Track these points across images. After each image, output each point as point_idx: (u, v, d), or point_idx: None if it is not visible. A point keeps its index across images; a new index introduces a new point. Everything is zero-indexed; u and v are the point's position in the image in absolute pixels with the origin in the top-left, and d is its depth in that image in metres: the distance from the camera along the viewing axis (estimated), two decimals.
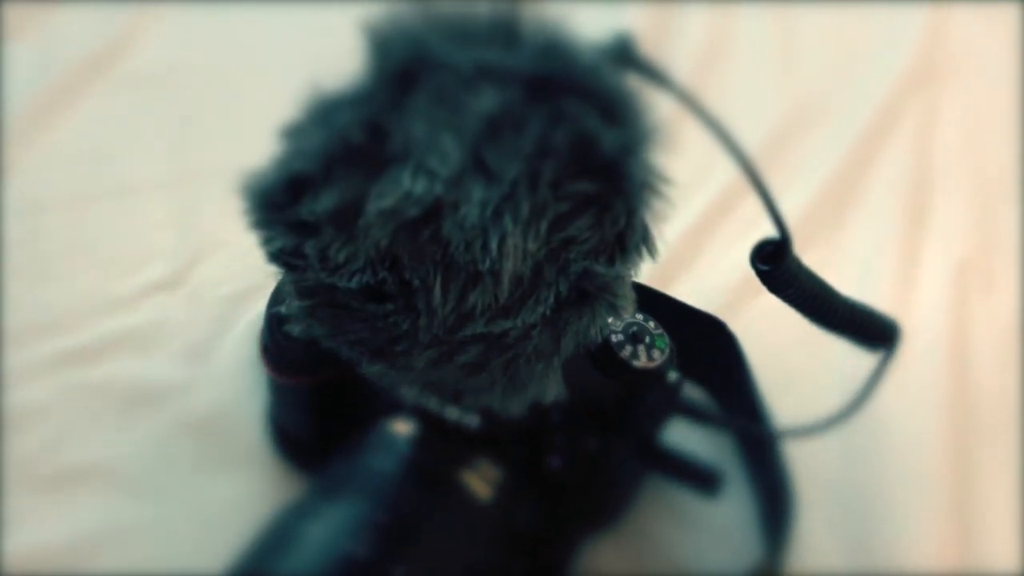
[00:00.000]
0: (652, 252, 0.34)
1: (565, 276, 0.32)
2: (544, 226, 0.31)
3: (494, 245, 0.30)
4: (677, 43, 0.77)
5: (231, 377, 0.57)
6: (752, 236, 0.64)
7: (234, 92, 0.73)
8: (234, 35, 0.76)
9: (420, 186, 0.30)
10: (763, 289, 0.42)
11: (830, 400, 0.58)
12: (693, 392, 0.57)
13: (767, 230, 0.40)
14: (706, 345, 0.54)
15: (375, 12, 0.37)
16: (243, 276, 0.61)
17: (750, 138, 0.69)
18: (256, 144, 0.35)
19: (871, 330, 0.44)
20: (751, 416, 0.52)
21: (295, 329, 0.34)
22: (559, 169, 0.31)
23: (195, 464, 0.54)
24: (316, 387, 0.47)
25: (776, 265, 0.40)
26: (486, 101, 0.31)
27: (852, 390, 0.49)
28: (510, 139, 0.31)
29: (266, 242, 0.33)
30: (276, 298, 0.41)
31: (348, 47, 0.35)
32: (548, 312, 0.32)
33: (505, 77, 0.32)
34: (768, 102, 0.75)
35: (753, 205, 0.39)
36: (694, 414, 0.47)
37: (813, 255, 0.44)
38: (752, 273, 0.63)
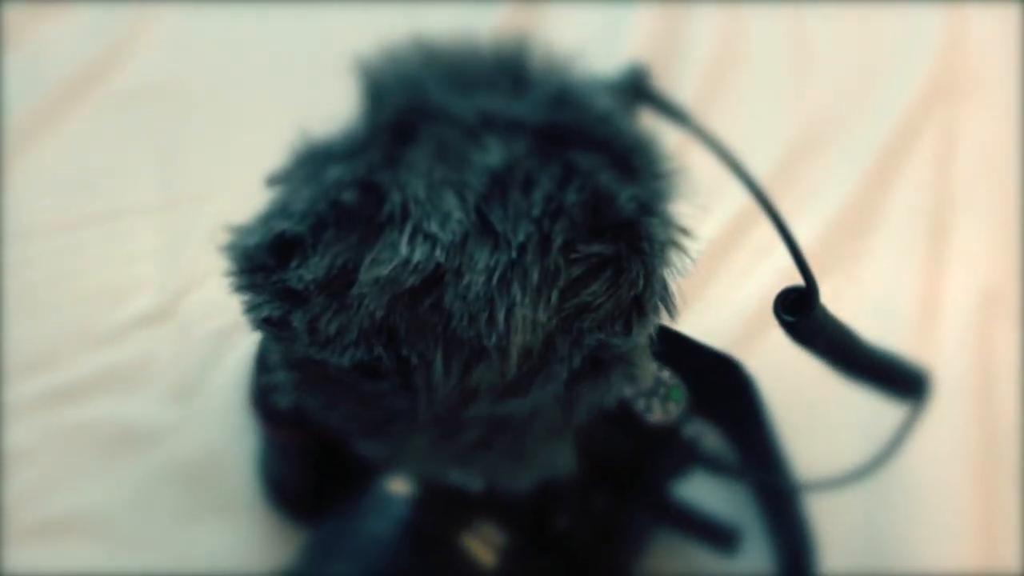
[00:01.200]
0: (672, 313, 0.31)
1: (579, 348, 0.29)
2: (555, 294, 0.28)
3: (501, 317, 0.28)
4: (686, 52, 0.74)
5: (219, 418, 0.54)
6: (765, 263, 0.62)
7: (228, 109, 0.69)
8: (231, 48, 0.72)
9: (419, 252, 0.27)
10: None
11: (851, 439, 0.55)
12: (706, 431, 0.54)
13: (781, 257, 0.37)
14: (721, 385, 0.51)
15: (370, 48, 0.34)
16: (233, 308, 0.58)
17: (762, 156, 0.67)
18: (250, 167, 0.33)
19: (901, 382, 0.41)
20: (769, 462, 0.50)
21: (283, 400, 0.31)
22: (572, 230, 0.28)
23: (183, 511, 0.52)
24: (309, 439, 0.44)
25: (802, 316, 0.37)
26: (491, 156, 0.28)
27: (874, 429, 0.46)
28: (518, 198, 0.28)
29: (250, 309, 0.30)
30: (263, 363, 0.39)
31: (349, 61, 0.33)
32: (561, 389, 0.29)
33: (512, 128, 0.29)
34: (780, 117, 0.72)
35: (766, 230, 0.37)
36: (712, 465, 0.45)
37: (828, 285, 0.42)
38: (767, 302, 0.61)
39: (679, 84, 0.69)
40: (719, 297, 0.62)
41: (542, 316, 0.28)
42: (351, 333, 0.28)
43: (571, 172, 0.29)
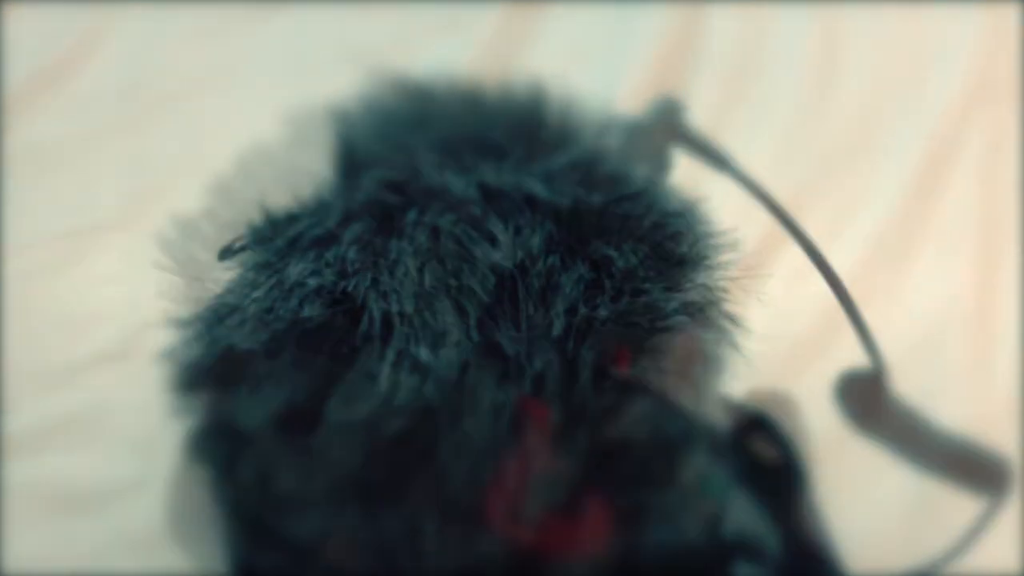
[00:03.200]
0: (722, 438, 0.25)
1: (612, 506, 0.23)
2: (583, 436, 0.22)
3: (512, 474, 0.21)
4: (703, 56, 0.68)
5: (184, 477, 0.49)
6: (797, 292, 0.56)
7: (199, 116, 0.63)
8: (202, 51, 0.66)
9: (404, 388, 0.21)
10: (816, 359, 0.37)
11: (903, 503, 0.50)
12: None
13: (816, 284, 0.35)
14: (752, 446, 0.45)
15: (348, 93, 0.28)
16: None
17: (789, 170, 0.62)
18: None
19: (978, 473, 0.36)
20: (809, 536, 0.44)
21: (227, 558, 0.25)
22: (604, 353, 0.22)
23: None
24: None
25: (868, 404, 0.32)
26: (499, 251, 0.22)
27: (927, 491, 0.41)
28: (534, 311, 0.22)
29: (188, 441, 0.24)
30: (219, 496, 0.32)
31: (332, 63, 0.27)
32: (590, 561, 0.23)
33: (526, 211, 0.23)
34: (807, 127, 0.66)
35: (794, 254, 0.35)
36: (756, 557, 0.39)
37: (870, 314, 0.38)
38: (802, 340, 0.55)
39: (694, 92, 0.64)
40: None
41: (565, 467, 0.22)
42: (313, 491, 0.22)
43: (602, 273, 0.22)
